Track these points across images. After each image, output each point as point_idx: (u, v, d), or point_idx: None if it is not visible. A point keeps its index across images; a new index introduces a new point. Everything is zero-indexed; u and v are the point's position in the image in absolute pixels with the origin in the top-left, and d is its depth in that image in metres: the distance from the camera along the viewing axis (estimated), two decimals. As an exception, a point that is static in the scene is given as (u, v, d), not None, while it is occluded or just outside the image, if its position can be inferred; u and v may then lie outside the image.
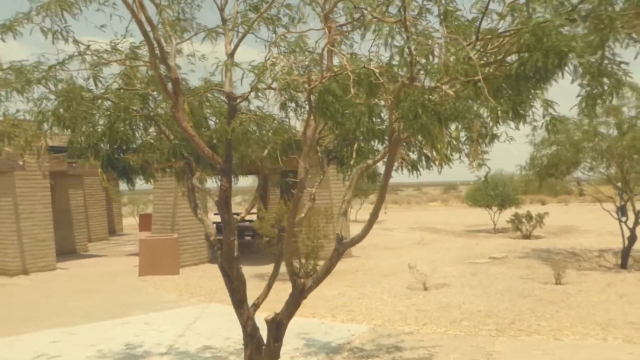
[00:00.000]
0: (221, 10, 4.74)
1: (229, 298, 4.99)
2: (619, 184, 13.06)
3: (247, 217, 17.14)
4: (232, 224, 4.64)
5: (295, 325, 6.91)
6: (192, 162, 5.16)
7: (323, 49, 3.63)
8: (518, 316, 8.04)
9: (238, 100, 4.50)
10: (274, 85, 3.88)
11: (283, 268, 4.92)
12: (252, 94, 4.11)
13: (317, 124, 4.13)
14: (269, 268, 5.21)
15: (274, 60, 3.72)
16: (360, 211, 28.23)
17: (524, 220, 19.16)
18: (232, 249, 4.70)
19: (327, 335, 7.30)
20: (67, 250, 16.34)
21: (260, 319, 4.86)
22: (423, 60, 3.19)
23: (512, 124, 3.79)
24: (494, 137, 4.25)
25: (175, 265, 12.91)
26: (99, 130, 4.88)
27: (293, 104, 4.35)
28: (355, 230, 4.97)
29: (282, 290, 4.79)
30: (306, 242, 11.34)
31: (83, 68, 4.59)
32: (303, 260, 11.26)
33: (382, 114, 4.19)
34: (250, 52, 4.68)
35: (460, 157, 4.36)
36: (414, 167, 4.55)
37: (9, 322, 8.48)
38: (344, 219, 4.56)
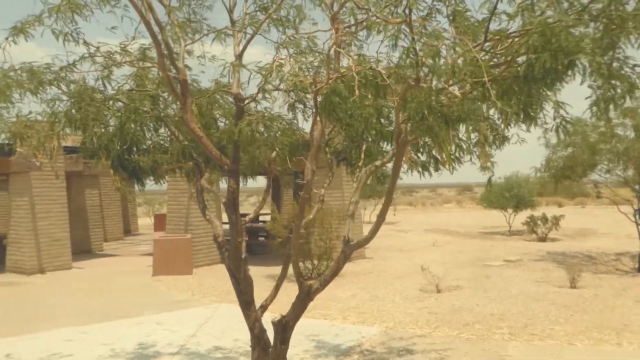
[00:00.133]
0: (230, 11, 4.75)
1: (239, 299, 4.99)
2: (637, 187, 12.87)
3: (262, 218, 16.95)
4: (240, 225, 4.64)
5: (305, 327, 6.90)
6: (201, 163, 5.17)
7: (329, 50, 3.61)
8: (531, 320, 7.94)
9: (246, 102, 4.50)
10: (282, 86, 3.87)
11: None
12: (260, 95, 4.10)
13: (323, 126, 4.11)
14: (281, 269, 5.21)
15: (280, 61, 3.72)
16: (375, 212, 28.14)
17: (539, 222, 18.92)
18: (240, 250, 4.70)
19: (337, 337, 7.27)
20: (82, 250, 16.54)
21: (268, 320, 4.85)
22: (430, 61, 3.15)
23: (523, 126, 3.74)
24: (505, 139, 4.18)
25: (188, 265, 12.99)
26: (110, 130, 4.92)
27: (301, 106, 4.34)
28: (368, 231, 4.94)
29: (294, 292, 4.78)
30: (319, 244, 11.34)
31: (94, 69, 4.64)
32: (315, 262, 11.28)
33: (391, 116, 4.16)
34: (263, 54, 4.67)
35: (471, 159, 4.31)
36: (424, 168, 4.49)
37: (24, 320, 8.59)
38: (351, 220, 4.53)
